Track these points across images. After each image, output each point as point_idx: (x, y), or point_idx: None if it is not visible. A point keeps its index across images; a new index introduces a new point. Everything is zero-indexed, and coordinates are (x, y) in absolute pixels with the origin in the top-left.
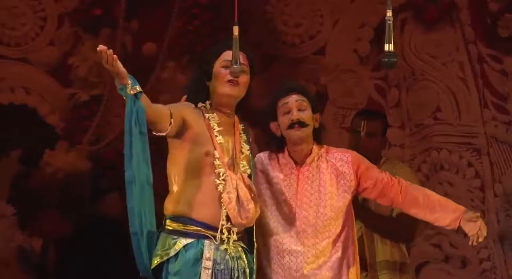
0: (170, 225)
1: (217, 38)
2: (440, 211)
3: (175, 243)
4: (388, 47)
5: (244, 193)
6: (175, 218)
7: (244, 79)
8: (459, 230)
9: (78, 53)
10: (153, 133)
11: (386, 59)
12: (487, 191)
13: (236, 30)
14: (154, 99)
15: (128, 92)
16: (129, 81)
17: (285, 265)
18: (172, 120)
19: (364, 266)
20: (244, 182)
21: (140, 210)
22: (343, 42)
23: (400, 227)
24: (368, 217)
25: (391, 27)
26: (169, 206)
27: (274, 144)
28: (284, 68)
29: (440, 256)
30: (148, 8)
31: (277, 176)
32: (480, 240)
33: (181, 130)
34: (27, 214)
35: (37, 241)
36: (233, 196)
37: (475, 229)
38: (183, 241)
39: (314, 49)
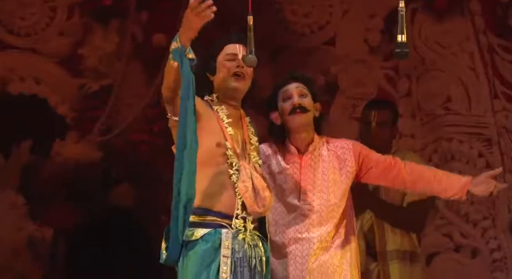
0: None
1: (227, 28)
2: (446, 181)
3: (192, 234)
4: (401, 38)
5: (259, 181)
6: None
7: (249, 71)
8: (468, 195)
9: (88, 43)
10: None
11: (398, 50)
12: (497, 181)
13: (250, 19)
14: None
15: (187, 54)
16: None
17: (290, 253)
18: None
19: (374, 255)
20: (257, 171)
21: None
22: (353, 32)
23: (410, 216)
24: (379, 206)
25: (404, 17)
26: None
27: (274, 133)
28: (293, 58)
29: (451, 246)
30: None
31: (280, 165)
32: (501, 187)
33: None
34: (37, 204)
35: (47, 231)
36: (249, 185)
37: (489, 187)
38: (200, 232)
39: (324, 39)
